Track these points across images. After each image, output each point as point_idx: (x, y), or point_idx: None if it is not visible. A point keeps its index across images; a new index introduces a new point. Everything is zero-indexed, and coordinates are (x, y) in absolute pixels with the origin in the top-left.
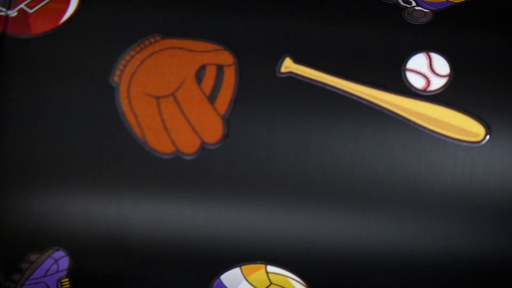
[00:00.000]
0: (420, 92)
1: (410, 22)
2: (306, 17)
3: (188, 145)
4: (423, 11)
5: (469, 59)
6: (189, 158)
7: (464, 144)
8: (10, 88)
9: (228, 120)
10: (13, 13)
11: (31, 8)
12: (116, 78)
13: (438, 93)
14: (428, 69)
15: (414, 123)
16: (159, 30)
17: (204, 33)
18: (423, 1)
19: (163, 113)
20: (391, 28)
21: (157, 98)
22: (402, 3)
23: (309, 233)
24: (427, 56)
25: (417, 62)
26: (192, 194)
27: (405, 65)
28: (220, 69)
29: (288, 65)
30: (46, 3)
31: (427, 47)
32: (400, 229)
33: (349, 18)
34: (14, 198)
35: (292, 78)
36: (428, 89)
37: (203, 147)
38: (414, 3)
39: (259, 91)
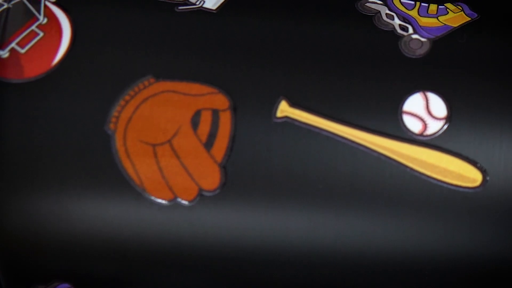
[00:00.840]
0: (417, 137)
1: (407, 55)
2: (301, 60)
3: (186, 193)
4: (420, 40)
5: (466, 100)
6: (187, 204)
7: (461, 189)
8: (2, 137)
9: (225, 167)
10: (4, 53)
11: (22, 48)
12: (111, 126)
13: (435, 138)
14: (425, 111)
15: (411, 169)
16: (152, 72)
17: (198, 75)
18: (420, 26)
19: (160, 161)
20: (387, 66)
21: (154, 145)
22: (398, 30)
23: None
24: (424, 96)
25: (414, 103)
26: (190, 239)
27: (401, 108)
28: (215, 114)
29: (284, 109)
30: (38, 41)
31: (423, 87)
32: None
33: (344, 58)
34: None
35: (288, 123)
36: (425, 133)
37: (201, 194)
38: (411, 30)
39: (255, 137)
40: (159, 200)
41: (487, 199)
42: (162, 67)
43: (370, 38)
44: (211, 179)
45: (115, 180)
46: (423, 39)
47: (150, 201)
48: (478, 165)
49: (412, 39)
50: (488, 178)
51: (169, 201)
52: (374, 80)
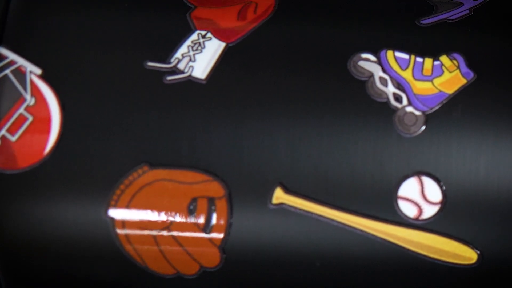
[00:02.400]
0: (413, 221)
1: (401, 133)
2: (295, 146)
3: (188, 269)
4: (414, 114)
5: (460, 183)
6: (190, 277)
7: (457, 266)
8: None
9: (224, 249)
10: None
11: (13, 135)
12: (110, 214)
13: (431, 222)
14: (420, 196)
15: (408, 249)
16: (145, 160)
17: (191, 162)
18: (414, 94)
19: (160, 244)
20: (382, 147)
21: (153, 232)
22: (392, 102)
23: None
24: (418, 181)
25: (409, 188)
26: None
27: (396, 193)
28: (211, 201)
29: (279, 196)
30: (28, 126)
31: (418, 171)
32: None
33: (338, 140)
34: None
35: (284, 209)
36: (420, 218)
37: (203, 270)
38: (405, 101)
39: (252, 223)
40: (163, 274)
41: (483, 275)
42: (155, 154)
43: (364, 113)
44: (212, 259)
45: (117, 260)
46: (417, 113)
47: (153, 272)
48: (473, 246)
49: (406, 113)
50: (483, 256)
51: (173, 274)
52: (368, 163)
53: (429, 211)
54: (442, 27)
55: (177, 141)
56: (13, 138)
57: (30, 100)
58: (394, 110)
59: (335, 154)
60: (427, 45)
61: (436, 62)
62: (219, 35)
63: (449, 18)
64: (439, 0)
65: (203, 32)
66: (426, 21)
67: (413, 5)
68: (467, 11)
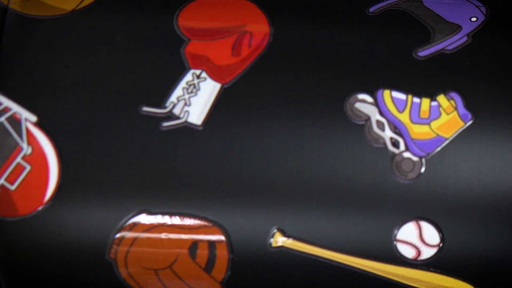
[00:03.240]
0: (411, 261)
1: (399, 179)
2: (294, 192)
3: None
4: (411, 160)
5: (458, 227)
6: None
7: None
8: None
9: (226, 285)
10: None
11: (12, 184)
12: (111, 255)
13: (429, 262)
14: (418, 239)
15: (407, 285)
16: (144, 206)
17: (190, 209)
18: (412, 139)
19: (163, 280)
20: (379, 193)
21: (155, 270)
22: (390, 147)
23: None
24: (417, 225)
25: (407, 232)
26: None
27: (395, 237)
28: (212, 245)
29: (279, 240)
30: (26, 175)
31: (416, 216)
32: None
33: (336, 186)
34: None
35: (284, 251)
36: (418, 259)
37: None
38: (402, 146)
39: (252, 263)
40: None
41: None
42: (154, 201)
43: (361, 159)
44: None
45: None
46: (415, 159)
47: None
48: (472, 281)
49: (403, 158)
50: None
51: None
52: (367, 209)
53: (427, 253)
54: (440, 60)
55: (175, 188)
56: (12, 187)
57: (27, 149)
58: (392, 156)
59: (333, 200)
60: (424, 83)
61: (434, 103)
62: (214, 74)
63: (446, 48)
64: (436, 21)
65: (198, 72)
66: (423, 52)
67: (410, 32)
68: (465, 38)
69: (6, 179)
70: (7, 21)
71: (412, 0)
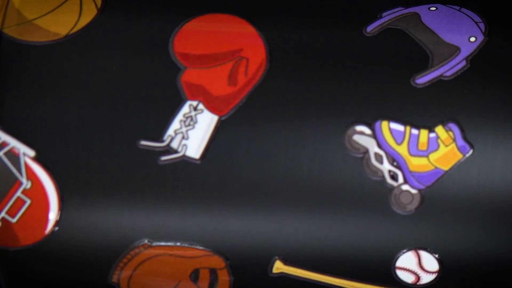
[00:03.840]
0: (411, 286)
1: (397, 211)
2: (293, 221)
3: None
4: (410, 193)
5: (457, 256)
6: None
7: None
8: None
9: None
10: None
11: (13, 217)
12: (114, 280)
13: (428, 286)
14: (417, 266)
15: None
16: (145, 235)
17: (190, 239)
18: (410, 171)
19: None
20: (378, 223)
21: None
22: (388, 180)
23: None
24: (416, 254)
25: (407, 260)
26: None
27: (394, 264)
28: (213, 271)
29: (279, 267)
30: (27, 209)
31: (415, 245)
32: None
33: (335, 213)
34: None
35: (284, 277)
36: (418, 283)
37: None
38: (401, 179)
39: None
40: None
41: None
42: (154, 232)
43: (360, 190)
44: None
45: None
46: (413, 191)
47: None
48: None
49: (402, 191)
50: None
51: None
52: (365, 236)
53: (427, 278)
54: (438, 87)
55: (175, 220)
56: (13, 220)
57: (26, 183)
58: (390, 188)
59: (333, 229)
60: (422, 113)
61: (432, 135)
62: (210, 106)
63: (445, 74)
64: (434, 43)
65: (195, 103)
66: (422, 80)
67: (408, 56)
68: (464, 63)
69: (6, 213)
70: (1, 49)
71: (410, 15)
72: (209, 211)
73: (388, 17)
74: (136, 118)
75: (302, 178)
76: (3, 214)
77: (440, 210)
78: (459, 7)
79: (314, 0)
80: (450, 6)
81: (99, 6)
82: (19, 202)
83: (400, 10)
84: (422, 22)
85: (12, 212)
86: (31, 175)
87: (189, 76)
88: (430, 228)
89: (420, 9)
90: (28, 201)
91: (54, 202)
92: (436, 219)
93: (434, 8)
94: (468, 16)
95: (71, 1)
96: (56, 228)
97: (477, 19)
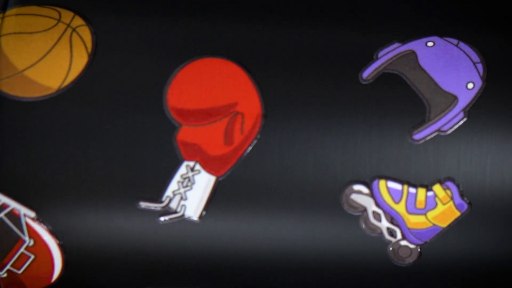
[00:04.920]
0: None
1: (396, 263)
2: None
3: None
4: (408, 248)
5: None
6: None
7: None
8: None
9: None
10: (2, 274)
11: (18, 269)
12: None
13: None
14: None
15: None
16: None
17: None
18: (408, 228)
19: None
20: (377, 278)
21: None
22: (387, 236)
23: None
24: None
25: None
26: None
27: None
28: None
29: None
30: (31, 262)
31: None
32: None
33: (334, 272)
34: None
35: None
36: None
37: None
38: (399, 235)
39: None
40: None
41: None
42: (155, 283)
43: (358, 246)
44: None
45: None
46: (412, 246)
47: None
48: None
49: (400, 246)
50: None
51: None
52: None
53: None
54: (435, 143)
55: (176, 275)
56: (19, 271)
57: (29, 241)
58: (389, 243)
59: (332, 284)
60: (420, 171)
61: (429, 193)
62: (207, 166)
63: (442, 129)
64: (431, 91)
65: (191, 164)
66: (419, 135)
67: (405, 109)
68: (461, 115)
69: (12, 265)
70: None
71: (406, 55)
72: (209, 269)
73: (384, 58)
74: (134, 178)
75: (296, 235)
76: (8, 267)
77: (438, 263)
78: (457, 41)
79: (308, 40)
80: (448, 39)
81: (89, 50)
82: (24, 257)
83: (397, 48)
84: (419, 64)
85: (17, 266)
86: (33, 234)
87: (185, 134)
88: (431, 279)
89: (417, 46)
90: (32, 256)
91: (57, 257)
92: (436, 270)
93: (431, 44)
94: (466, 54)
95: (61, 44)
96: (63, 276)
97: (475, 58)
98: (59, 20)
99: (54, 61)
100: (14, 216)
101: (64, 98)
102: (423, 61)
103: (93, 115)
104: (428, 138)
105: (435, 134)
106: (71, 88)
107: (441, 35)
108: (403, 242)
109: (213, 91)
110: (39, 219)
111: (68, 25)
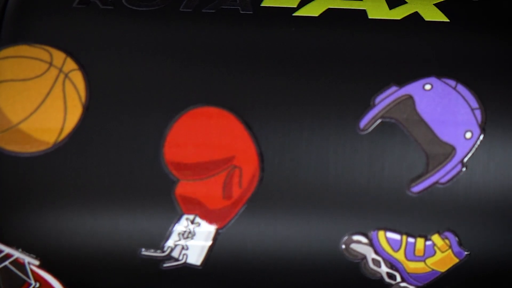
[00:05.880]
0: None
1: None
2: None
3: None
4: None
5: None
6: None
7: None
8: None
9: None
10: None
11: None
12: None
13: None
14: None
15: None
16: None
17: None
18: (408, 272)
19: None
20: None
21: None
22: (386, 279)
23: None
24: None
25: None
26: None
27: None
28: None
29: None
30: None
31: None
32: None
33: None
34: None
35: None
36: None
37: None
38: (398, 278)
39: None
40: None
41: None
42: None
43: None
44: None
45: None
46: (411, 287)
47: None
48: None
49: (401, 287)
50: None
51: None
52: None
53: None
54: (434, 195)
55: None
56: None
57: (35, 284)
58: (388, 285)
59: None
60: (418, 222)
61: (428, 242)
62: (207, 219)
63: (440, 181)
64: (429, 142)
65: (191, 217)
66: (417, 188)
67: (403, 161)
68: (459, 167)
69: None
70: None
71: (404, 101)
72: None
73: (381, 105)
74: (135, 229)
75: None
76: None
77: None
78: (455, 83)
79: (303, 90)
80: (445, 81)
81: (83, 100)
82: None
83: (394, 93)
84: (416, 111)
85: None
86: (39, 278)
87: (183, 189)
88: None
89: (415, 89)
90: None
91: None
92: None
93: (429, 87)
94: (464, 99)
95: (54, 94)
96: None
97: (474, 103)
98: (50, 64)
99: (49, 113)
100: (19, 264)
101: (61, 152)
102: (421, 108)
103: (90, 169)
104: (426, 191)
105: (433, 186)
106: (67, 142)
107: (439, 75)
108: (403, 284)
109: (209, 144)
110: (44, 266)
111: (60, 70)
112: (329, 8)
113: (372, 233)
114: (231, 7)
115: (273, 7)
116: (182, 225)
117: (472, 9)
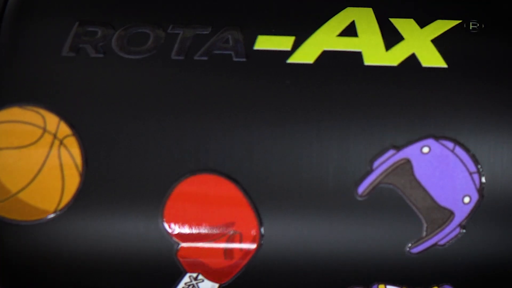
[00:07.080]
0: None
1: None
2: None
3: None
4: None
5: None
6: None
7: None
8: None
9: None
10: None
11: None
12: None
13: None
14: None
15: None
16: None
17: None
18: None
19: None
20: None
21: None
22: None
23: None
24: None
25: None
26: None
27: None
28: None
29: None
30: None
31: None
32: None
33: None
34: None
35: None
36: None
37: None
38: None
39: None
40: None
41: None
42: None
43: None
44: None
45: None
46: None
47: None
48: None
49: None
50: None
51: None
52: None
53: None
54: (433, 255)
55: None
56: None
57: None
58: None
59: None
60: (418, 277)
61: None
62: (210, 276)
63: (439, 243)
64: (427, 207)
65: (195, 275)
66: (416, 249)
67: (402, 226)
68: (458, 230)
69: None
70: None
71: (402, 166)
72: None
73: (379, 169)
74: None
75: None
76: None
77: None
78: (453, 145)
79: (302, 156)
80: (443, 143)
81: (80, 168)
82: None
83: (392, 157)
84: (414, 176)
85: None
86: None
87: (185, 252)
88: None
89: (412, 153)
90: None
91: None
92: None
93: (427, 150)
94: (462, 162)
95: (50, 162)
96: None
97: (472, 167)
98: (44, 130)
99: (46, 183)
100: None
101: (62, 219)
102: (419, 173)
103: (91, 237)
104: (425, 251)
105: (432, 248)
106: (67, 211)
107: (437, 137)
108: None
109: (209, 211)
110: None
111: (55, 137)
112: (324, 52)
113: (372, 286)
114: (224, 52)
115: (266, 50)
116: (185, 281)
117: (470, 50)
